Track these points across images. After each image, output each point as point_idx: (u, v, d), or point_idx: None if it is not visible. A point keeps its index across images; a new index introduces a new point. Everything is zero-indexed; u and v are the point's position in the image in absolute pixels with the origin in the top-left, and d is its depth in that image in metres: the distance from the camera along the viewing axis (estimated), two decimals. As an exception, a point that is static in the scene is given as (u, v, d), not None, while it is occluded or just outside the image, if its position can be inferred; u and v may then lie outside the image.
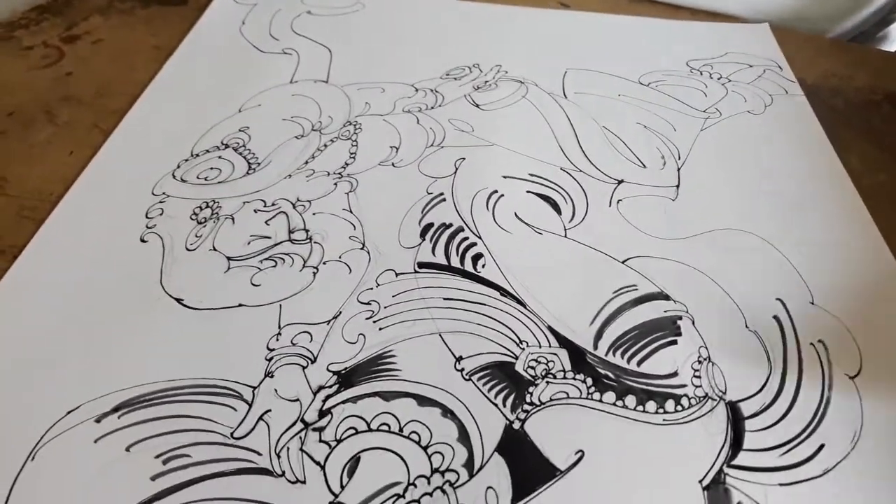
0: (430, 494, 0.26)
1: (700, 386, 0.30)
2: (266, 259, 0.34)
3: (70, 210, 0.36)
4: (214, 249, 0.35)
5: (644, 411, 0.29)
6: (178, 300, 0.32)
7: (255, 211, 0.37)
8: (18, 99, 0.44)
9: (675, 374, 0.30)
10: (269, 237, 0.36)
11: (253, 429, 0.27)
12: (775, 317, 0.33)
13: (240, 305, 0.32)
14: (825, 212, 0.38)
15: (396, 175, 0.40)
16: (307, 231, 0.36)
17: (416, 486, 0.26)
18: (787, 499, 0.26)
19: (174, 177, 0.39)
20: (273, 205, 0.37)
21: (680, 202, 0.39)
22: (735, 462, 0.27)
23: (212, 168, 0.39)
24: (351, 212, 0.37)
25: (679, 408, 0.29)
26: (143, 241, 0.35)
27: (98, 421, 0.27)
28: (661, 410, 0.29)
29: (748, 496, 0.26)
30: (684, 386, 0.30)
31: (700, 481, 0.27)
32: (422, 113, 0.45)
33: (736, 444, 0.28)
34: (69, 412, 0.28)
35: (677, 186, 0.40)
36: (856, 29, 0.56)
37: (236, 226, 0.36)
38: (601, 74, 0.48)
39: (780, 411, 0.29)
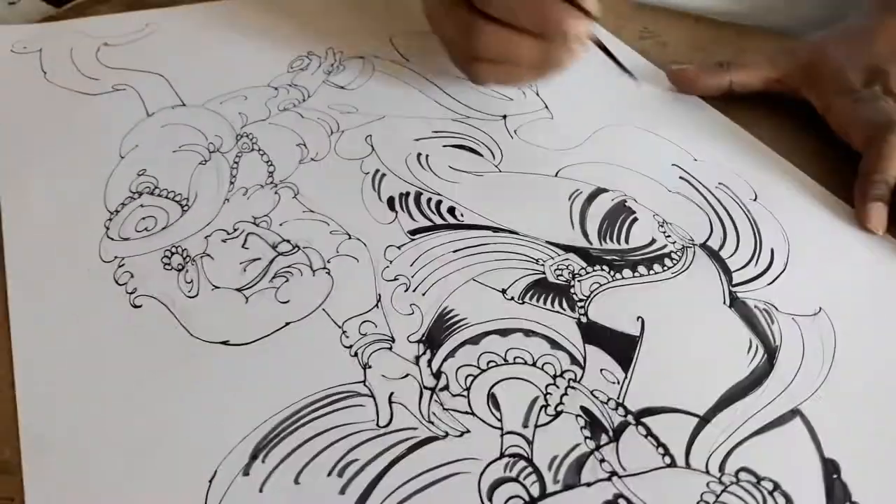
0: (566, 394, 0.30)
1: (675, 241, 0.38)
2: (274, 277, 0.34)
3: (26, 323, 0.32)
4: (217, 287, 0.34)
5: (656, 273, 0.36)
6: (224, 342, 0.32)
7: (223, 241, 0.36)
8: None
9: (654, 241, 0.38)
10: (259, 258, 0.35)
11: (392, 413, 0.29)
12: (681, 177, 0.42)
13: (286, 325, 0.32)
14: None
15: (323, 167, 0.41)
16: (289, 241, 0.36)
17: (551, 393, 0.30)
18: (779, 292, 0.35)
19: (112, 238, 0.36)
20: (235, 230, 0.37)
21: (557, 118, 0.46)
22: (734, 282, 0.35)
23: (144, 218, 0.37)
24: (312, 211, 0.38)
25: (674, 261, 0.36)
26: (135, 306, 0.33)
27: (246, 474, 0.27)
28: (665, 268, 0.36)
29: (757, 300, 0.34)
30: (665, 246, 0.37)
31: (724, 303, 0.34)
32: (300, 108, 0.46)
33: (725, 271, 0.36)
34: (210, 481, 0.27)
35: (546, 107, 0.47)
36: None
37: (218, 260, 0.35)
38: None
39: (732, 239, 0.38)
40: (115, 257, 0.35)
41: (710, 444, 0.28)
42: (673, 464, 0.27)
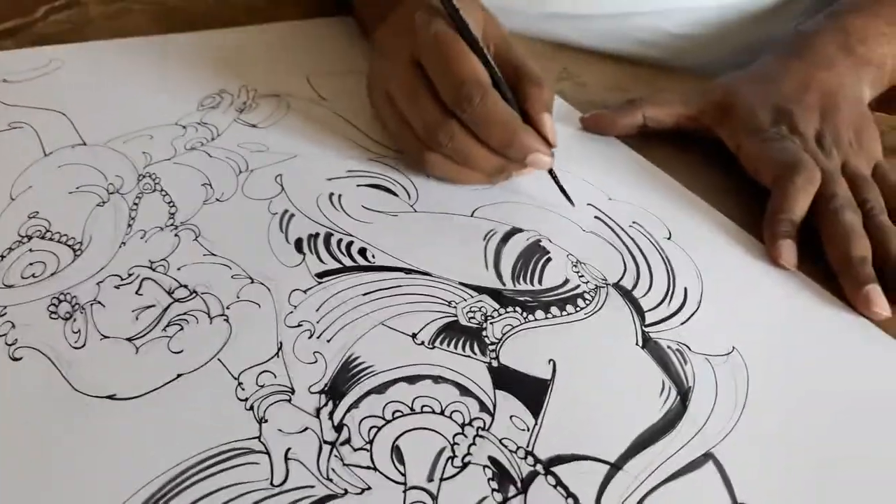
0: (474, 443, 0.29)
1: (588, 281, 0.37)
2: (168, 325, 0.32)
3: None
4: (106, 337, 0.32)
5: (568, 314, 0.35)
6: (110, 397, 0.29)
7: (116, 287, 0.34)
8: None
9: (567, 281, 0.37)
10: (153, 305, 0.33)
11: (287, 470, 0.27)
12: (596, 217, 0.41)
13: (178, 376, 0.31)
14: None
15: (229, 208, 0.40)
16: (187, 287, 0.34)
17: (458, 444, 0.29)
18: (693, 331, 0.35)
19: (-6, 285, 0.33)
20: (130, 275, 0.35)
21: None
22: (647, 322, 0.35)
23: (32, 264, 0.35)
24: (214, 254, 0.37)
25: (587, 301, 0.36)
26: (15, 359, 0.30)
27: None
28: (578, 309, 0.35)
29: (670, 340, 0.34)
30: (578, 286, 0.37)
31: (636, 344, 0.34)
32: (208, 147, 0.44)
33: (638, 311, 0.36)
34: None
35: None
36: None
37: (109, 307, 0.33)
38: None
39: (646, 278, 0.38)
40: (-4, 306, 0.32)
41: (621, 492, 0.27)
42: (582, 515, 0.26)
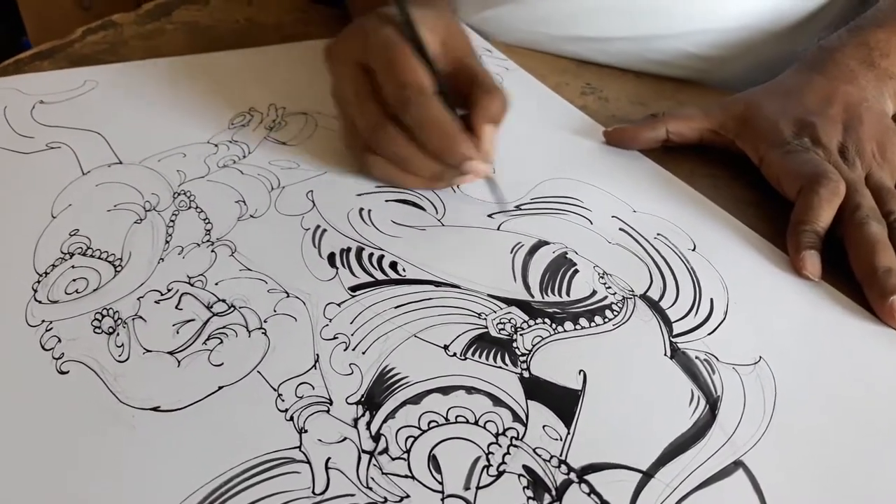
0: (508, 452, 0.29)
1: (616, 293, 0.38)
2: (208, 339, 0.33)
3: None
4: (148, 351, 0.33)
5: (597, 325, 0.36)
6: (154, 409, 0.30)
7: (156, 302, 0.35)
8: None
9: (595, 293, 0.38)
10: (193, 319, 0.34)
11: (328, 479, 0.28)
12: (621, 229, 0.42)
13: (219, 388, 0.31)
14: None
15: (263, 224, 0.41)
16: (225, 301, 0.35)
17: (493, 453, 0.29)
18: (720, 341, 0.35)
19: (39, 301, 0.35)
20: (169, 290, 0.36)
21: (498, 172, 0.46)
22: (674, 333, 0.36)
23: (75, 280, 0.36)
24: (250, 269, 0.38)
25: (615, 313, 0.36)
26: (62, 372, 0.32)
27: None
28: (606, 320, 0.36)
29: (698, 350, 0.35)
30: (606, 298, 0.37)
31: (665, 355, 0.34)
32: (240, 164, 0.45)
33: (665, 321, 0.36)
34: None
35: (489, 161, 0.47)
36: None
37: (150, 322, 0.34)
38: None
39: (672, 289, 0.38)
40: (43, 321, 0.33)
41: (653, 500, 0.28)
42: (616, 523, 0.27)
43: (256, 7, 0.65)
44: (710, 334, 0.35)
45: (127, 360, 0.32)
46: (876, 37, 0.49)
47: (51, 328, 0.33)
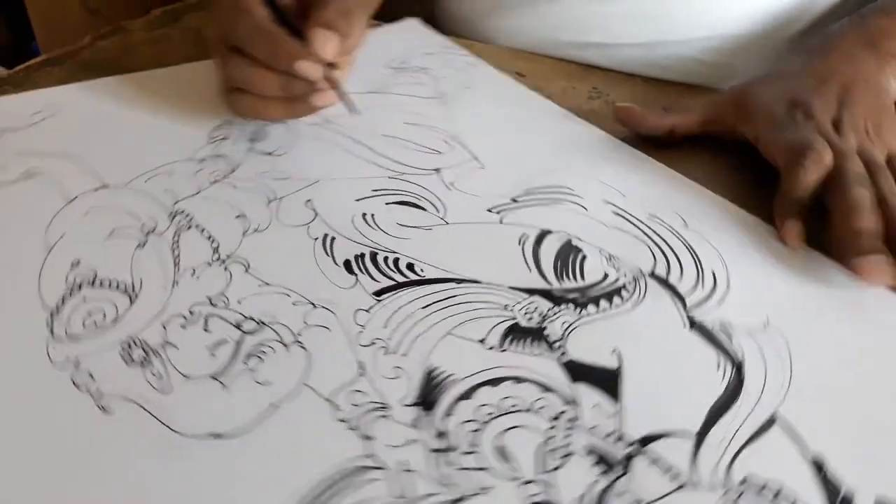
0: (569, 434, 0.31)
1: (626, 274, 0.40)
2: (247, 358, 0.33)
3: None
4: (189, 377, 0.32)
5: (616, 305, 0.38)
6: (214, 435, 0.30)
7: (182, 327, 0.35)
8: None
9: (607, 276, 0.39)
10: (225, 340, 0.34)
11: (409, 482, 0.29)
12: (615, 213, 0.44)
13: (271, 406, 0.31)
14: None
15: (270, 237, 0.40)
16: (253, 319, 0.35)
17: (554, 436, 0.31)
18: (730, 310, 0.38)
19: (57, 336, 0.33)
20: (192, 313, 0.35)
21: (488, 168, 0.48)
22: (688, 305, 0.38)
23: (90, 313, 0.35)
24: (269, 284, 0.37)
25: (629, 293, 0.38)
26: (104, 410, 0.31)
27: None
28: (624, 300, 0.38)
29: (713, 320, 0.37)
30: (618, 279, 0.39)
31: (685, 327, 0.37)
32: (230, 179, 0.45)
33: (678, 296, 0.39)
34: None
35: (475, 158, 0.49)
36: None
37: (182, 348, 0.34)
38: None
39: (676, 266, 0.41)
40: (67, 358, 0.32)
41: (710, 460, 0.30)
42: (684, 485, 0.29)
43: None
44: (719, 304, 0.38)
45: (170, 389, 0.31)
46: (878, 23, 0.49)
47: (79, 365, 0.32)
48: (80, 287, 0.36)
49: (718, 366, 0.34)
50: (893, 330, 0.37)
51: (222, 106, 0.47)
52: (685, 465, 0.30)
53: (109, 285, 0.36)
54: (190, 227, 0.40)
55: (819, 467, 0.30)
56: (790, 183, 0.42)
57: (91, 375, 0.32)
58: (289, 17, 0.42)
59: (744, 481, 0.29)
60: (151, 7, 0.65)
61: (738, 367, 0.34)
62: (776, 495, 0.29)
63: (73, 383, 0.31)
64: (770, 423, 0.32)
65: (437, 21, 0.71)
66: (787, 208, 0.42)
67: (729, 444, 0.31)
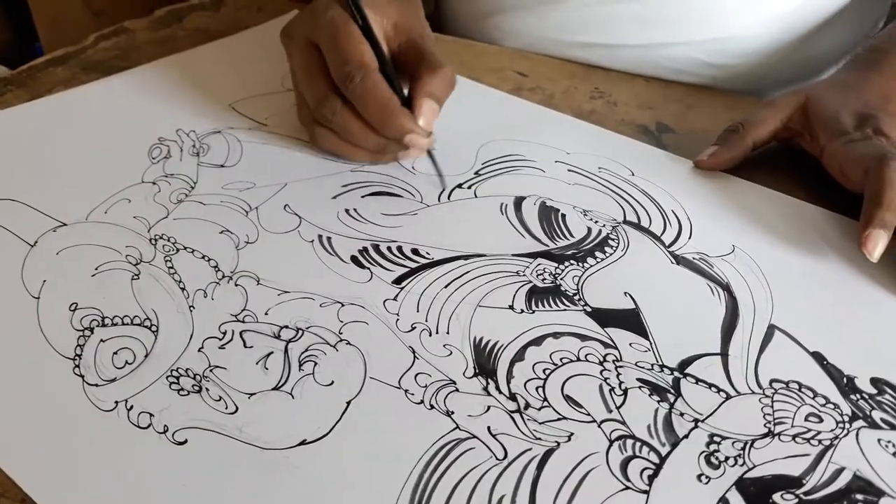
0: (619, 373, 0.34)
1: (605, 225, 0.43)
2: (302, 363, 0.34)
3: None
4: (251, 394, 0.32)
5: (609, 255, 0.41)
6: (302, 443, 0.30)
7: (220, 348, 0.34)
8: None
9: (590, 230, 0.43)
10: (271, 352, 0.34)
11: (501, 444, 0.31)
12: (569, 170, 0.48)
13: (348, 404, 0.32)
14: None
15: (265, 247, 0.40)
16: (289, 326, 0.35)
17: (607, 378, 0.34)
18: (701, 242, 0.42)
19: (93, 384, 0.32)
20: (224, 333, 0.35)
21: (439, 146, 0.49)
22: (666, 244, 0.42)
23: (116, 353, 0.33)
24: (288, 291, 0.37)
25: (615, 241, 0.42)
26: (180, 443, 0.30)
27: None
28: (614, 249, 0.42)
29: (691, 253, 0.42)
30: (601, 232, 0.43)
31: (672, 264, 0.41)
32: (195, 196, 0.43)
33: (656, 238, 0.43)
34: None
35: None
36: None
37: (231, 368, 0.33)
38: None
39: (642, 211, 0.45)
40: (116, 402, 0.31)
41: (740, 373, 0.34)
42: (729, 395, 0.33)
43: (266, 14, 0.65)
44: (689, 239, 0.42)
45: (236, 410, 0.31)
46: None
47: (131, 406, 0.31)
48: (91, 330, 0.34)
49: (713, 291, 0.39)
50: (841, 240, 0.43)
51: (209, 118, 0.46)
52: (722, 379, 0.34)
53: (123, 321, 0.34)
54: (179, 251, 0.39)
55: (821, 360, 0.35)
56: (881, 190, 0.40)
57: (149, 413, 0.30)
58: (391, 69, 0.42)
59: (771, 383, 0.33)
60: (155, 7, 0.63)
61: (728, 290, 0.39)
62: (800, 388, 0.33)
63: (134, 424, 0.30)
64: (771, 332, 0.36)
65: (439, 21, 0.70)
66: (877, 217, 0.39)
67: (748, 356, 0.35)
